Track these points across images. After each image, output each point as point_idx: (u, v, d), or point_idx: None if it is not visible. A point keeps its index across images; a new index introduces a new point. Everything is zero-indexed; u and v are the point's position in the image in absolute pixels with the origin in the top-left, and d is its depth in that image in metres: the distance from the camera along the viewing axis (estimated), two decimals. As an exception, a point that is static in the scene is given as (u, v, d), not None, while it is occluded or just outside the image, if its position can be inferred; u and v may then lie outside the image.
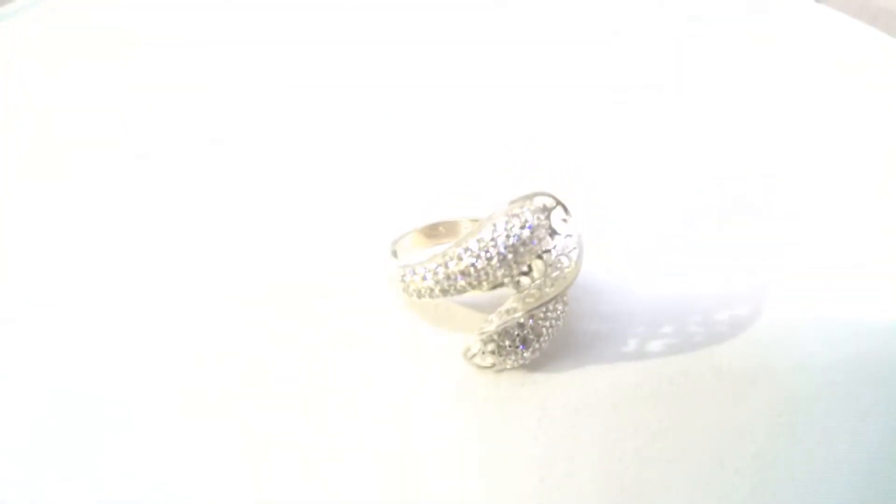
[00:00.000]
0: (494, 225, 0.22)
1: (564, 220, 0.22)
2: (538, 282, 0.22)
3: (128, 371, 0.24)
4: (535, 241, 0.21)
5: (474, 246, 0.21)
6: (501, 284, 0.22)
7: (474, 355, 0.23)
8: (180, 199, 0.28)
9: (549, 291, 0.22)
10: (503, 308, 0.22)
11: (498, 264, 0.21)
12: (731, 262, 0.26)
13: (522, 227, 0.21)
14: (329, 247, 0.27)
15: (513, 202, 0.22)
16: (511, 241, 0.21)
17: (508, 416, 0.23)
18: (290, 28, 0.35)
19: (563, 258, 0.22)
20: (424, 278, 0.22)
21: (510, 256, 0.21)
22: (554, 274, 0.22)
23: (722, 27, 0.35)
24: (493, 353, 0.22)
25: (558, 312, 0.23)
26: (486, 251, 0.21)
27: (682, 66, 0.33)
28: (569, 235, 0.22)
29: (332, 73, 0.33)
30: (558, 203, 0.22)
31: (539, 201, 0.22)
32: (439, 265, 0.22)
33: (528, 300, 0.22)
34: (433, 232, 0.25)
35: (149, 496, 0.21)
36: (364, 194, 0.28)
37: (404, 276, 0.23)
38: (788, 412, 0.22)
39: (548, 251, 0.22)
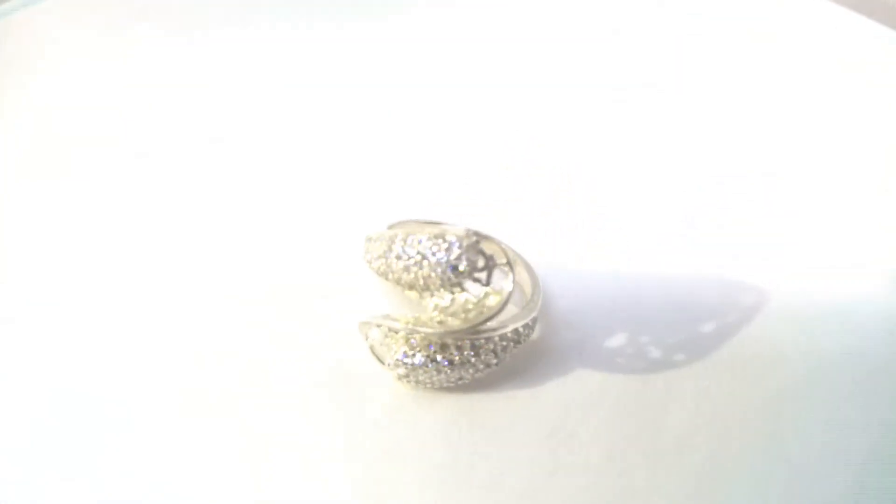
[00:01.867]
0: (424, 237, 0.21)
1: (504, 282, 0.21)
2: (438, 316, 0.22)
3: (128, 371, 0.24)
4: (441, 273, 0.20)
5: (399, 239, 0.21)
6: (416, 292, 0.22)
7: (368, 337, 0.22)
8: (180, 199, 0.28)
9: (438, 327, 0.21)
10: (418, 316, 0.22)
11: (402, 269, 0.21)
12: (731, 261, 0.26)
13: (434, 253, 0.20)
14: (329, 247, 0.26)
15: (463, 231, 0.21)
16: (419, 256, 0.21)
17: (508, 415, 0.23)
18: (290, 26, 0.35)
19: (473, 310, 0.22)
20: (368, 240, 0.22)
21: (414, 269, 0.21)
22: (452, 319, 0.22)
23: (722, 24, 0.35)
24: (386, 348, 0.22)
25: (460, 360, 0.22)
26: (402, 250, 0.21)
27: (682, 64, 0.33)
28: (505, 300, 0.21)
29: (333, 73, 0.33)
30: (508, 262, 0.21)
31: (489, 249, 0.21)
32: (376, 239, 0.22)
33: (425, 318, 0.22)
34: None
35: (149, 496, 0.21)
36: (364, 193, 0.28)
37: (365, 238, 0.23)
38: (787, 408, 0.23)
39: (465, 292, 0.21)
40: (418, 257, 0.21)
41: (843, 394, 0.23)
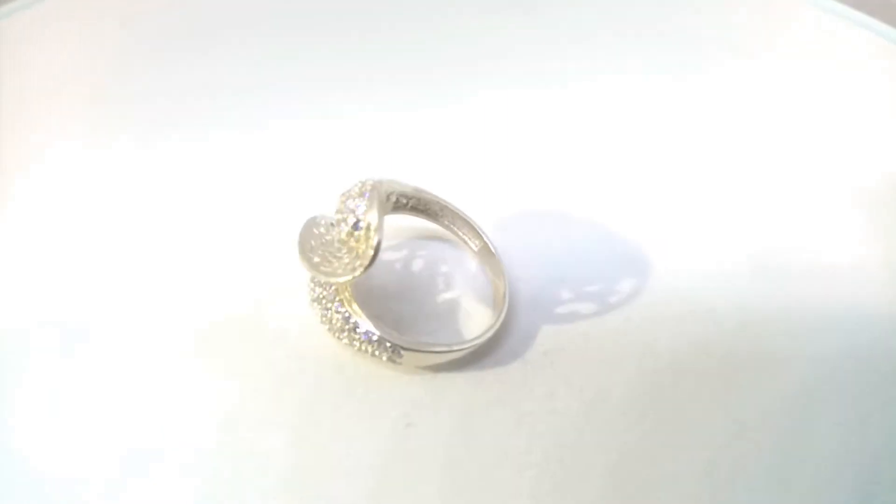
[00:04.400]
0: (357, 189, 0.22)
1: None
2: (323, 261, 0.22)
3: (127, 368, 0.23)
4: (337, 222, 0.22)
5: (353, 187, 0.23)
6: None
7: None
8: (181, 203, 0.28)
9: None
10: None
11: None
12: (732, 262, 0.26)
13: (345, 207, 0.22)
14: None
15: (373, 213, 0.22)
16: (343, 197, 0.22)
17: (505, 413, 0.22)
18: (280, 28, 0.35)
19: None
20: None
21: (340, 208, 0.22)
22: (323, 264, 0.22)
23: (722, 25, 0.35)
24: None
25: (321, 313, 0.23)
26: (349, 191, 0.23)
27: (680, 61, 0.33)
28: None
29: (332, 75, 0.33)
30: (372, 258, 0.21)
31: (376, 236, 0.21)
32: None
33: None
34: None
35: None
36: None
37: None
38: (789, 405, 0.23)
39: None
40: (343, 197, 0.22)
41: (847, 398, 0.23)
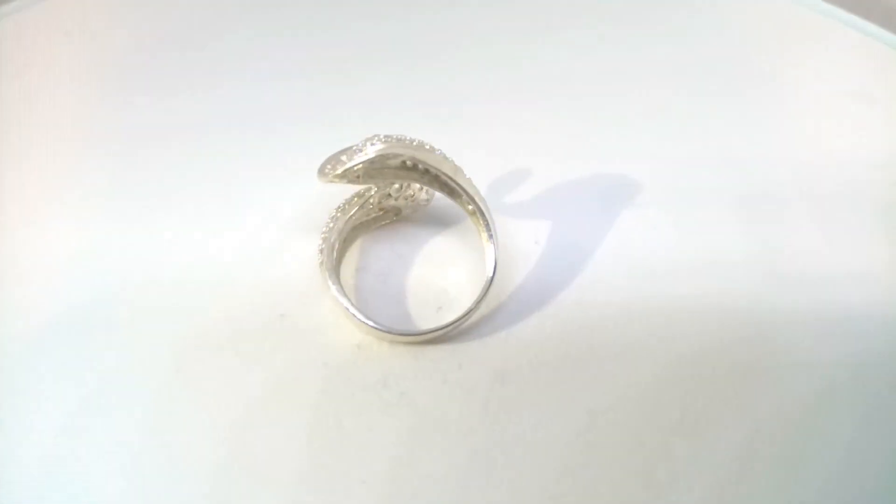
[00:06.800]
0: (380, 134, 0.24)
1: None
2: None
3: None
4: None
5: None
6: None
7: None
8: (198, 199, 0.28)
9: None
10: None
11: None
12: (740, 263, 0.26)
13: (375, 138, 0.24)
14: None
15: (366, 157, 0.24)
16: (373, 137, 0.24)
17: (501, 416, 0.22)
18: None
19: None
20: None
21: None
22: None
23: (721, 26, 0.35)
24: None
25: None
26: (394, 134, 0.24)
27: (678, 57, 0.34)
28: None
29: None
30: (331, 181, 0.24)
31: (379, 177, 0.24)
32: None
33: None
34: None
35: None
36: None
37: None
38: (799, 410, 0.23)
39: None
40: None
41: (857, 401, 0.23)
